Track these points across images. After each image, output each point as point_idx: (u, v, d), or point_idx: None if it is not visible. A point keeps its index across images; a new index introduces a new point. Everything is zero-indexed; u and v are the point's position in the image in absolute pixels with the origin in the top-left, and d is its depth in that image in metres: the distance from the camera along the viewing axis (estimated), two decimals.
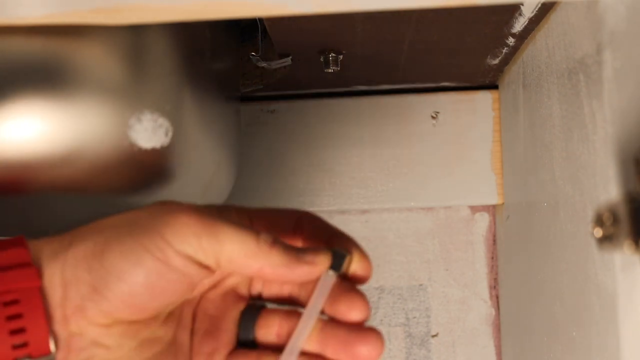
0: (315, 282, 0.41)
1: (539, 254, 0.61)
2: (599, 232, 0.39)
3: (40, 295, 0.38)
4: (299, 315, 0.41)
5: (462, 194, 0.79)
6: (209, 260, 0.39)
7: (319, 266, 0.40)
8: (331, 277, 0.41)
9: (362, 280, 0.42)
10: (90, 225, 0.41)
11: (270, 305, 0.43)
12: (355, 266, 0.41)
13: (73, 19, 0.40)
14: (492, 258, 0.81)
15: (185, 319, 0.42)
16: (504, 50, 0.66)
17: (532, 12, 0.56)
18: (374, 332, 0.40)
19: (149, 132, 0.44)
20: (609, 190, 0.42)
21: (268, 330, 0.42)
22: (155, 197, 0.49)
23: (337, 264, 0.41)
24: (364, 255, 0.42)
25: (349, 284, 0.41)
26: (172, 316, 0.42)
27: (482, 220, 0.81)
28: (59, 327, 0.38)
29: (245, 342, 0.42)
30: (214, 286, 0.43)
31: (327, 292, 0.41)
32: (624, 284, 0.41)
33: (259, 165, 0.79)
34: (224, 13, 0.40)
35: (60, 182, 0.44)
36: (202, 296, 0.42)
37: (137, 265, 0.38)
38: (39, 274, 0.38)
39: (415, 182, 0.79)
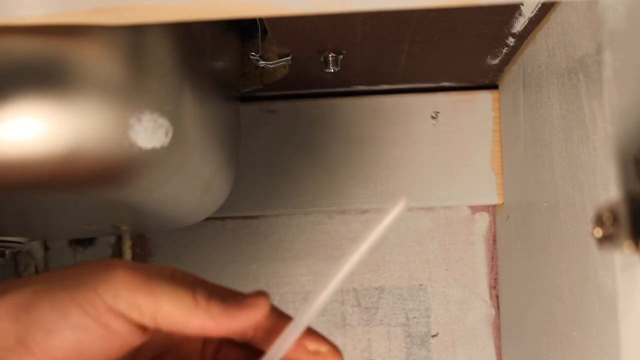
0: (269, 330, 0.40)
1: (539, 254, 0.61)
2: (599, 232, 0.39)
3: None
4: None
5: (462, 194, 0.79)
6: (145, 320, 0.37)
7: (261, 308, 0.39)
8: (403, 205, 0.38)
9: None
10: (23, 278, 0.39)
11: None
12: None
13: (73, 18, 0.40)
14: (492, 258, 0.81)
15: None
16: (504, 50, 0.66)
17: (532, 12, 0.56)
18: None
19: (149, 132, 0.44)
20: (609, 190, 0.42)
21: None
22: (155, 197, 0.49)
23: None
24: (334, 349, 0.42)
25: None
26: None
27: (482, 220, 0.81)
28: None
29: None
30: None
31: (393, 220, 0.38)
32: (624, 284, 0.41)
33: (259, 165, 0.79)
34: (224, 13, 0.40)
35: (60, 182, 0.44)
36: None
37: (66, 319, 0.37)
38: None
39: (415, 182, 0.79)
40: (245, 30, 0.68)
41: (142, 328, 0.38)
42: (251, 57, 0.67)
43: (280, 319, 0.41)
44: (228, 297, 0.39)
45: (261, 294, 0.40)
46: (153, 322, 0.38)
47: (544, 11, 0.55)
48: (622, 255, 0.41)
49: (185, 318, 0.38)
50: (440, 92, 0.79)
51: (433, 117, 0.79)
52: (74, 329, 0.37)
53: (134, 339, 0.38)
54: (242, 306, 0.39)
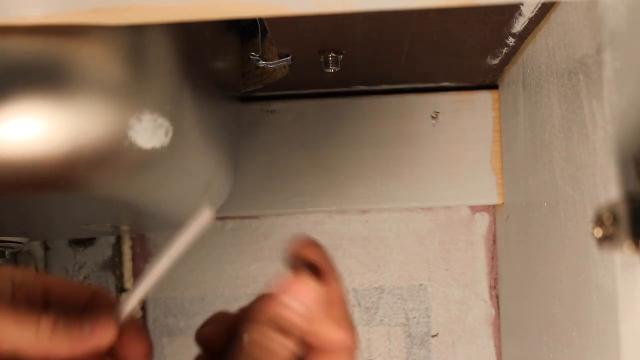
0: None
1: (539, 254, 0.61)
2: (599, 232, 0.39)
3: None
4: None
5: (462, 194, 0.79)
6: None
7: (106, 337, 0.39)
8: (207, 216, 0.39)
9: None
10: None
11: None
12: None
13: (73, 18, 0.40)
14: (492, 258, 0.81)
15: None
16: (504, 50, 0.66)
17: (532, 12, 0.56)
18: None
19: (149, 132, 0.44)
20: (609, 190, 0.42)
21: None
22: (155, 196, 0.49)
23: None
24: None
25: None
26: None
27: (482, 220, 0.81)
28: None
29: None
30: None
31: (199, 227, 0.39)
32: (624, 284, 0.41)
33: (259, 165, 0.79)
34: (224, 13, 0.40)
35: (60, 182, 0.44)
36: None
37: None
38: None
39: (415, 182, 0.79)
40: (245, 30, 0.68)
41: None
42: (251, 57, 0.67)
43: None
44: (74, 328, 0.39)
45: (108, 323, 0.39)
46: None
47: (544, 11, 0.55)
48: (622, 255, 0.41)
49: (27, 346, 0.38)
50: (440, 92, 0.79)
51: (433, 117, 0.79)
52: None
53: None
54: (85, 336, 0.39)
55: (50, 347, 0.39)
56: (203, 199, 0.59)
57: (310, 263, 0.39)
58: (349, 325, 0.38)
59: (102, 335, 0.39)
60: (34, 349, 0.38)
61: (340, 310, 0.39)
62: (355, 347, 0.38)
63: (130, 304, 0.41)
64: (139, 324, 0.41)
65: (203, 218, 0.39)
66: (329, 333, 0.38)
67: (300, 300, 0.37)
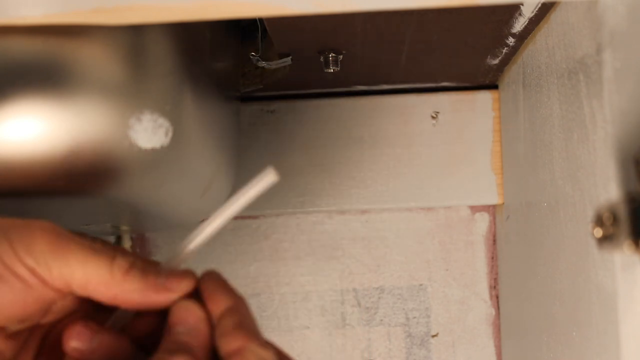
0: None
1: (539, 254, 0.61)
2: (599, 232, 0.39)
3: None
4: None
5: (462, 194, 0.79)
6: (56, 282, 0.38)
7: (180, 290, 0.39)
8: (271, 176, 0.39)
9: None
10: None
11: None
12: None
13: (73, 18, 0.40)
14: (492, 258, 0.81)
15: (32, 342, 0.40)
16: (504, 50, 0.66)
17: (532, 12, 0.56)
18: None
19: (149, 132, 0.44)
20: (609, 190, 0.42)
21: None
22: (155, 197, 0.49)
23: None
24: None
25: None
26: (18, 335, 0.40)
27: (482, 220, 0.81)
28: None
29: None
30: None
31: (263, 187, 0.39)
32: (624, 284, 0.41)
33: (259, 165, 0.78)
34: (224, 13, 0.40)
35: (60, 182, 0.44)
36: (58, 323, 0.41)
37: None
38: None
39: (415, 182, 0.79)
40: (245, 30, 0.68)
41: (56, 290, 0.38)
42: (251, 57, 0.67)
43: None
44: (150, 274, 0.39)
45: (186, 276, 0.39)
46: (65, 285, 0.38)
47: (544, 11, 0.55)
48: (622, 255, 0.41)
49: (98, 288, 0.38)
50: (440, 92, 0.79)
51: (433, 117, 0.79)
52: None
53: (48, 295, 0.38)
54: (159, 288, 0.39)
55: (123, 287, 0.38)
56: (203, 198, 0.59)
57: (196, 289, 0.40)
58: (246, 331, 0.39)
59: (177, 286, 0.39)
60: (105, 286, 0.38)
61: (234, 319, 0.39)
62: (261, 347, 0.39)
63: (183, 257, 0.40)
64: (220, 279, 0.40)
65: (268, 178, 0.39)
66: (225, 342, 0.38)
67: (183, 324, 0.39)
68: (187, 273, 0.40)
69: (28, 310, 0.38)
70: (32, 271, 0.37)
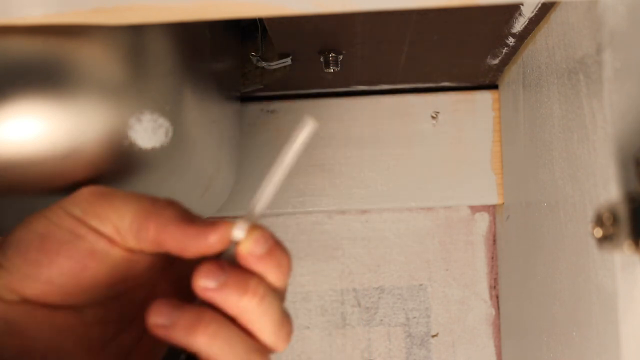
0: None
1: (539, 254, 0.61)
2: (598, 232, 0.39)
3: None
4: None
5: (462, 194, 0.79)
6: (105, 227, 0.38)
7: (214, 231, 0.38)
8: (312, 125, 0.39)
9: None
10: None
11: None
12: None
13: (73, 19, 0.40)
14: (492, 258, 0.81)
15: (129, 330, 0.41)
16: (504, 50, 0.66)
17: (532, 12, 0.56)
18: None
19: (149, 132, 0.44)
20: (609, 190, 0.42)
21: None
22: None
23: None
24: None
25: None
26: (110, 323, 0.41)
27: (482, 220, 0.81)
28: None
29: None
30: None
31: (306, 137, 0.40)
32: (624, 284, 0.41)
33: (259, 165, 0.79)
34: (224, 13, 0.40)
35: (60, 182, 0.44)
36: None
37: (33, 230, 0.38)
38: None
39: (415, 182, 0.79)
40: (245, 30, 0.68)
41: (108, 238, 0.38)
42: (251, 57, 0.67)
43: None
44: (191, 215, 0.39)
45: (224, 222, 0.39)
46: (116, 231, 0.38)
47: (543, 11, 0.55)
48: (622, 255, 0.41)
49: (140, 219, 0.38)
50: (440, 92, 0.79)
51: (433, 117, 0.79)
52: (41, 237, 0.38)
53: (103, 248, 0.39)
54: (196, 223, 0.38)
55: (162, 216, 0.38)
56: (203, 198, 0.59)
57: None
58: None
59: (215, 222, 0.39)
60: (146, 220, 0.38)
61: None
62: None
63: (249, 218, 0.39)
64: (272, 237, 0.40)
65: (308, 128, 0.40)
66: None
67: (209, 278, 0.38)
68: (229, 221, 0.39)
69: (90, 271, 0.39)
70: (81, 221, 0.38)
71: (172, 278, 0.42)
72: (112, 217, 0.38)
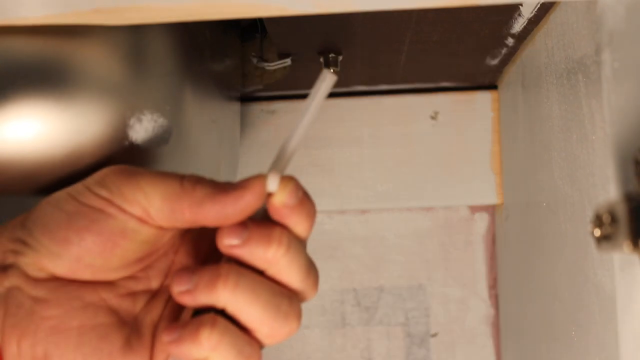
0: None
1: (538, 254, 0.61)
2: (597, 232, 0.39)
3: None
4: None
5: (462, 194, 0.79)
6: (133, 209, 0.38)
7: (252, 190, 0.38)
8: (330, 77, 0.39)
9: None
10: None
11: None
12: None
13: (73, 19, 0.40)
14: (491, 258, 0.81)
15: (157, 304, 0.41)
16: (503, 51, 0.66)
17: (531, 12, 0.56)
18: None
19: (149, 132, 0.44)
20: (608, 190, 0.42)
21: None
22: None
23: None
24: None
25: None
26: (136, 295, 0.40)
27: (482, 220, 0.82)
28: None
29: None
30: None
31: (326, 90, 0.39)
32: (623, 284, 0.41)
33: (259, 165, 0.79)
34: (224, 13, 0.40)
35: (61, 183, 0.44)
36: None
37: (60, 208, 0.38)
38: None
39: (414, 182, 0.79)
40: (245, 31, 0.68)
41: (137, 217, 0.38)
42: (251, 57, 0.67)
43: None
44: (219, 183, 0.39)
45: (255, 177, 0.39)
46: (143, 211, 0.38)
47: (543, 12, 0.55)
48: (621, 255, 0.41)
49: (172, 205, 0.38)
50: (439, 93, 0.79)
51: (433, 118, 0.79)
52: (69, 216, 0.38)
53: (134, 226, 0.38)
54: (228, 189, 0.38)
55: (194, 195, 0.38)
56: None
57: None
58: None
59: (247, 182, 0.38)
60: (178, 199, 0.38)
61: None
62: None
63: (278, 168, 0.40)
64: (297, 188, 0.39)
65: (328, 80, 0.39)
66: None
67: (232, 236, 0.38)
68: (259, 175, 0.39)
69: (121, 249, 0.38)
70: (109, 201, 0.38)
71: (190, 241, 0.42)
72: (140, 199, 0.38)
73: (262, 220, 0.39)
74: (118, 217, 0.38)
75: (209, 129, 0.54)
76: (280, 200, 0.38)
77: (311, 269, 0.40)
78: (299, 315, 0.40)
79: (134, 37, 0.44)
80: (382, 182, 0.79)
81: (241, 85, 0.71)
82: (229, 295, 0.37)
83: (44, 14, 0.40)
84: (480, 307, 0.81)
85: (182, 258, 0.42)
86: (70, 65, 0.42)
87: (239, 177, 0.72)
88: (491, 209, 0.82)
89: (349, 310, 0.81)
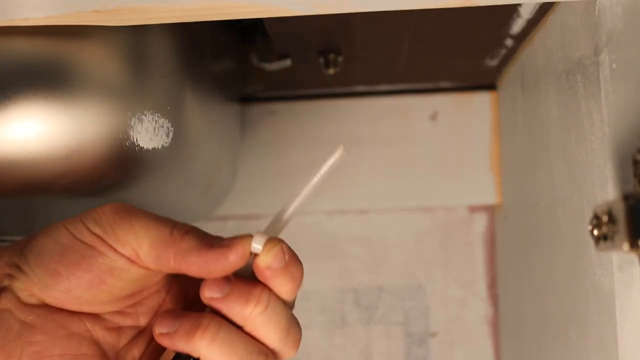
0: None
1: (537, 254, 0.61)
2: (596, 232, 0.39)
3: None
4: None
5: (461, 194, 0.79)
6: (124, 249, 0.39)
7: (237, 251, 0.39)
8: (342, 154, 0.41)
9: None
10: None
11: None
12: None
13: (75, 20, 0.40)
14: (491, 258, 0.81)
15: (139, 341, 0.42)
16: (502, 52, 0.66)
17: (530, 13, 0.56)
18: None
19: (150, 133, 0.45)
20: (606, 190, 0.42)
21: None
22: (157, 196, 0.50)
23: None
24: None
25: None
26: (121, 330, 0.42)
27: (481, 220, 0.82)
28: None
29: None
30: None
31: (333, 165, 0.41)
32: (621, 283, 0.41)
33: (260, 165, 0.79)
34: (224, 14, 0.41)
35: (62, 183, 0.44)
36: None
37: (56, 240, 0.39)
38: None
39: (414, 182, 0.79)
40: (246, 31, 0.68)
41: (127, 258, 0.39)
42: (251, 58, 0.67)
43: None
44: (208, 237, 0.40)
45: (241, 237, 0.40)
46: (134, 253, 0.39)
47: (541, 13, 0.55)
48: (619, 255, 0.41)
49: (160, 251, 0.39)
50: (439, 93, 0.79)
51: (432, 118, 0.79)
52: (63, 249, 0.39)
53: (123, 266, 0.40)
54: (215, 246, 0.39)
55: (181, 245, 0.39)
56: (205, 198, 0.59)
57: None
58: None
59: (232, 242, 0.40)
60: (166, 246, 0.39)
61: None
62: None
63: (268, 231, 0.42)
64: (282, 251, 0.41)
65: (338, 156, 0.42)
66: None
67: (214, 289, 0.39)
68: (247, 235, 0.40)
69: (108, 285, 0.40)
70: (101, 239, 0.39)
71: (182, 283, 0.43)
72: (131, 241, 0.39)
73: (246, 278, 0.40)
74: (108, 256, 0.39)
75: (210, 129, 0.54)
76: (264, 262, 0.40)
77: (291, 330, 0.41)
78: None
79: (135, 38, 0.44)
80: (382, 182, 0.79)
81: (241, 86, 0.71)
82: (206, 346, 0.39)
83: (45, 15, 0.40)
84: (479, 307, 0.81)
85: (173, 298, 0.43)
86: (71, 65, 0.42)
87: (239, 177, 0.72)
88: (490, 209, 0.82)
89: (349, 310, 0.81)
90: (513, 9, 0.56)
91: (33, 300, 0.39)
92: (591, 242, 0.40)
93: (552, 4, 0.53)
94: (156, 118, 0.45)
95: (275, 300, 0.40)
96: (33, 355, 0.39)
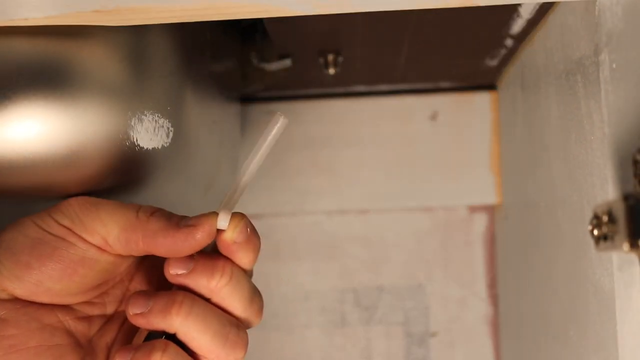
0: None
1: (537, 254, 0.61)
2: (596, 232, 0.39)
3: None
4: None
5: (461, 194, 0.79)
6: (93, 238, 0.40)
7: (203, 229, 0.40)
8: (282, 121, 0.42)
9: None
10: None
11: None
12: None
13: (75, 20, 0.40)
14: (491, 258, 0.81)
15: (110, 328, 0.43)
16: (502, 52, 0.66)
17: (530, 13, 0.56)
18: None
19: (150, 133, 0.45)
20: (606, 190, 0.42)
21: None
22: (157, 197, 0.50)
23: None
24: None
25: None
26: (92, 319, 0.42)
27: (481, 220, 0.82)
28: None
29: None
30: None
31: (276, 134, 0.42)
32: (622, 283, 0.41)
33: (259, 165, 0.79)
34: (224, 14, 0.41)
35: (62, 183, 0.44)
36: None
37: (25, 234, 0.40)
38: None
39: (414, 182, 0.79)
40: (246, 31, 0.68)
41: (97, 247, 0.41)
42: (251, 58, 0.67)
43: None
44: (174, 216, 0.41)
45: (207, 215, 0.41)
46: (103, 240, 0.40)
47: (541, 13, 0.55)
48: (620, 255, 0.41)
49: (127, 234, 0.40)
50: (439, 93, 0.79)
51: (432, 118, 0.79)
52: (33, 242, 0.40)
53: (94, 255, 0.41)
54: (181, 226, 0.40)
55: (148, 226, 0.40)
56: (205, 198, 0.59)
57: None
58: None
59: (198, 220, 0.41)
60: (133, 229, 0.40)
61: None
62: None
63: (228, 206, 0.42)
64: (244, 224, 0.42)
65: (279, 124, 0.42)
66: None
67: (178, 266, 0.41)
68: (211, 213, 0.41)
69: (79, 276, 0.40)
70: (70, 230, 0.40)
71: (147, 267, 0.45)
72: (100, 230, 0.40)
73: (207, 252, 0.42)
74: (78, 246, 0.40)
75: (210, 130, 0.54)
76: (230, 237, 0.41)
77: (254, 298, 0.43)
78: (245, 344, 0.42)
79: (135, 38, 0.44)
80: (382, 182, 0.79)
81: (241, 86, 0.71)
82: (181, 321, 0.40)
83: (45, 15, 0.40)
84: (479, 307, 0.81)
85: (136, 286, 0.45)
86: (71, 66, 0.42)
87: None
88: (490, 209, 0.82)
89: (349, 310, 0.81)
90: (513, 9, 0.56)
91: (4, 295, 0.40)
92: (591, 242, 0.40)
93: (552, 4, 0.53)
94: (156, 118, 0.45)
95: (238, 271, 0.42)
96: (8, 349, 0.40)
